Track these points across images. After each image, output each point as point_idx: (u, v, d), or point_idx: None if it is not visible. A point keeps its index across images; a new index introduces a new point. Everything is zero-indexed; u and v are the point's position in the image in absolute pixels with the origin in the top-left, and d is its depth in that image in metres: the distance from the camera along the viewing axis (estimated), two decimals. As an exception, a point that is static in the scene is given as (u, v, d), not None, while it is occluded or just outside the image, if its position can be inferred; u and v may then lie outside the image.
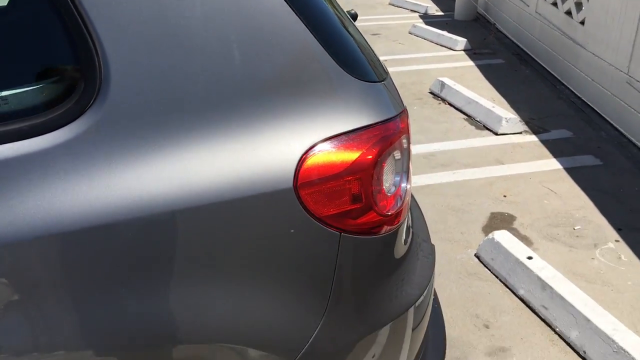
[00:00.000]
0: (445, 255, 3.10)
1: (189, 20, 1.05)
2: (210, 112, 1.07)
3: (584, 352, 2.42)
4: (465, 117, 4.99)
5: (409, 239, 1.40)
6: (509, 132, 4.65)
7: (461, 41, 6.89)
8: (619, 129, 4.55)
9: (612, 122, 4.66)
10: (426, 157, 4.23)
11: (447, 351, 2.34)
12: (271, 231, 1.11)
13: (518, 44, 6.84)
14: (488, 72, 6.08)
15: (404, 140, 1.28)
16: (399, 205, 1.26)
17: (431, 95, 5.46)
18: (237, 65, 1.10)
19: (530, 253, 2.91)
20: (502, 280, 2.90)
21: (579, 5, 5.31)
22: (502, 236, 3.04)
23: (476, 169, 4.08)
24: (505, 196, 3.72)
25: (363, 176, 1.16)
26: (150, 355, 1.06)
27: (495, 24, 7.69)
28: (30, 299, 0.98)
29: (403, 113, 1.30)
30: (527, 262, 2.83)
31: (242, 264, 1.10)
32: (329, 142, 1.14)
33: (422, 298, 1.44)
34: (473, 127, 4.80)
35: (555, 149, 4.37)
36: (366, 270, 1.23)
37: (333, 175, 1.13)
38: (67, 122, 1.01)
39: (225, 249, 1.08)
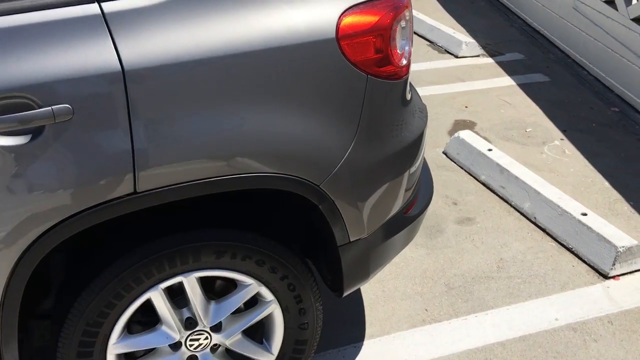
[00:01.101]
0: (417, 152, 3.57)
1: None
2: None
3: (535, 217, 2.95)
4: (429, 43, 5.41)
5: (410, 95, 1.83)
6: (468, 55, 5.11)
7: (421, -24, 7.24)
8: (565, 51, 5.07)
9: (559, 45, 5.17)
10: (395, 76, 4.64)
11: (423, 222, 2.85)
12: (321, 70, 1.51)
13: (474, -22, 7.23)
14: (446, 4, 6.48)
15: (407, 14, 1.69)
16: (406, 61, 1.68)
17: (396, 24, 5.84)
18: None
19: (490, 146, 3.41)
20: (467, 170, 3.40)
21: (530, -61, 5.73)
22: (465, 134, 3.53)
23: (440, 86, 4.54)
24: (466, 107, 4.21)
25: (383, 34, 1.57)
26: (252, 153, 1.47)
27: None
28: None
29: (405, -8, 1.70)
30: (488, 153, 3.33)
31: (301, 93, 1.50)
32: (357, 7, 1.54)
33: (415, 168, 1.88)
34: (436, 52, 5.23)
35: (510, 69, 4.86)
36: (383, 106, 1.65)
37: (362, 31, 1.53)
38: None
39: (291, 81, 1.48)
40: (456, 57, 5.11)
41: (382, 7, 1.58)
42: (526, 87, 4.52)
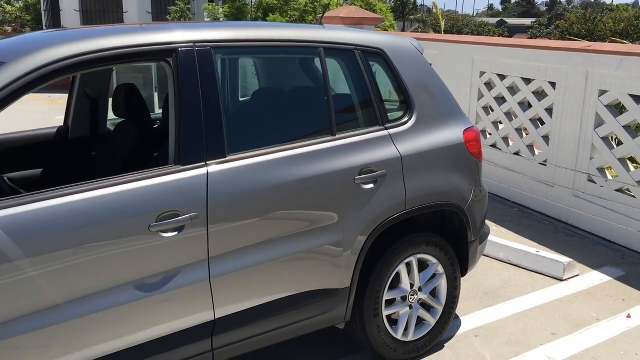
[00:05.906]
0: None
1: (431, 82, 3.41)
2: (444, 117, 3.40)
3: (509, 260, 4.92)
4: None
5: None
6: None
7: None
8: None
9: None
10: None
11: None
12: (458, 157, 3.42)
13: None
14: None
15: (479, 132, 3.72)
16: (482, 154, 3.66)
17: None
18: (446, 102, 3.46)
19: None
20: (454, 244, 5.35)
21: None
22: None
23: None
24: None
25: (478, 140, 3.55)
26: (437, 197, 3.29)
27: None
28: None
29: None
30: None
31: (452, 165, 3.38)
32: (466, 130, 3.53)
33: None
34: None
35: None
36: (479, 172, 3.57)
37: (471, 139, 3.50)
38: (407, 121, 3.25)
39: (453, 160, 3.36)
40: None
41: (473, 129, 3.60)
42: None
